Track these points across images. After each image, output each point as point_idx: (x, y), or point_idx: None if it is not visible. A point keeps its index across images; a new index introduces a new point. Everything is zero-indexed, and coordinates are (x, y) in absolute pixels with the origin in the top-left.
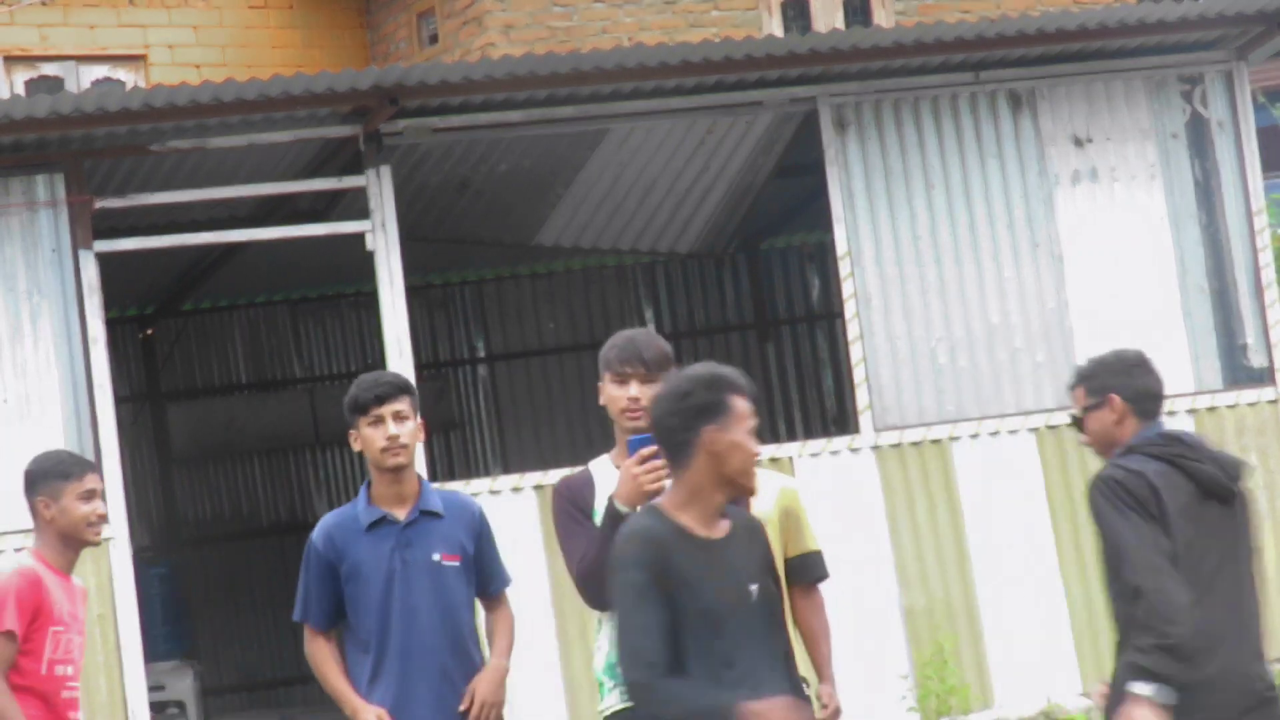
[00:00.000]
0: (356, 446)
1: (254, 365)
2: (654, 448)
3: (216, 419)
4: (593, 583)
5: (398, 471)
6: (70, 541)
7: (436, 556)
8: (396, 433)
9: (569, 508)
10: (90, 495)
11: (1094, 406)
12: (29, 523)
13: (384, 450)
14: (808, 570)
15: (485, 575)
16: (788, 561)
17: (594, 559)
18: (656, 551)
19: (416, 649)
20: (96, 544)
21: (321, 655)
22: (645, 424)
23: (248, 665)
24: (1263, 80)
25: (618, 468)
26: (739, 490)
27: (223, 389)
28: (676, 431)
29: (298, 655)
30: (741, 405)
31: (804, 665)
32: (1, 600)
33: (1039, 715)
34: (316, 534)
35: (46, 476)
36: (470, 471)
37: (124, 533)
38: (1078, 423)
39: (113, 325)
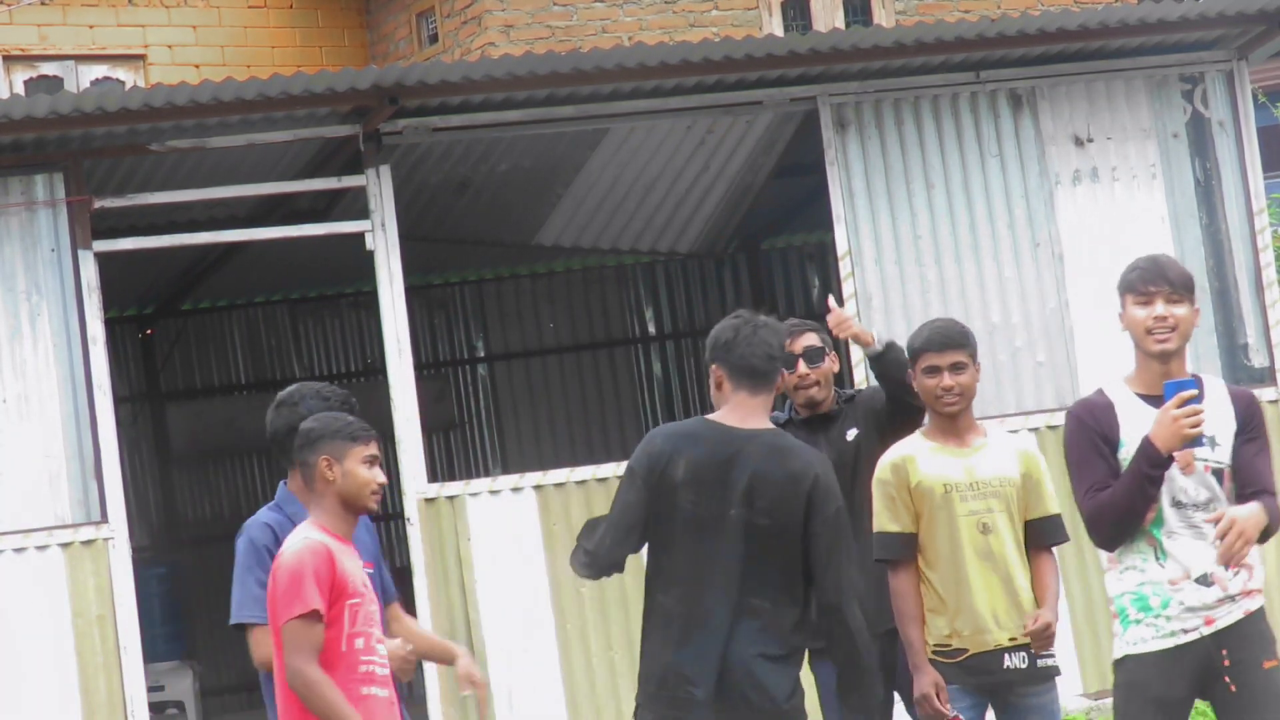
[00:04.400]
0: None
1: (254, 365)
2: (1193, 391)
3: (216, 419)
4: (1103, 522)
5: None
6: (351, 507)
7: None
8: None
9: (1092, 434)
10: (373, 461)
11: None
12: (28, 523)
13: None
14: (1046, 534)
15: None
16: (1026, 524)
17: (1111, 500)
18: None
19: None
20: (374, 511)
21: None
22: (1174, 345)
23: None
24: (1263, 80)
25: (1139, 396)
26: None
27: (222, 389)
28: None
29: None
30: None
31: None
32: (298, 579)
33: None
34: (261, 532)
35: (332, 437)
36: (470, 471)
37: (123, 533)
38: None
39: (112, 325)
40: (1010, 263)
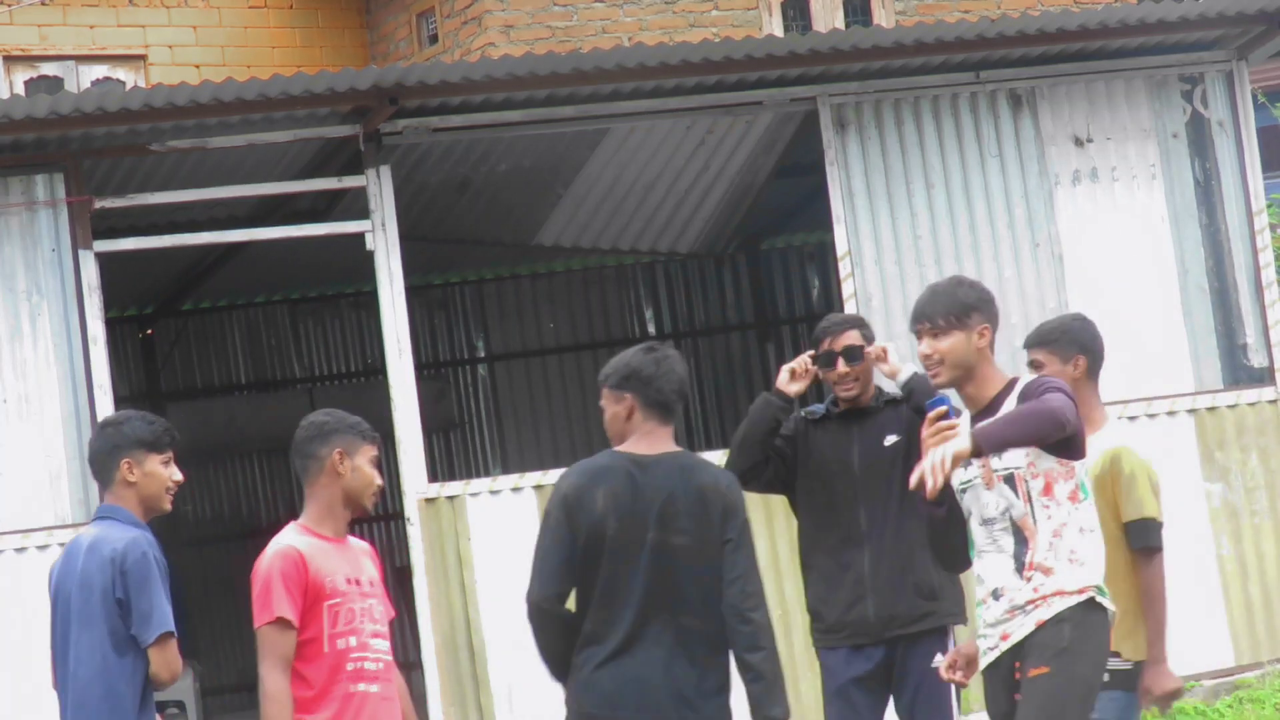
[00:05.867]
0: (132, 477)
1: (254, 365)
2: (944, 408)
3: (216, 419)
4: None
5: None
6: (351, 504)
7: None
8: (180, 478)
9: None
10: (377, 463)
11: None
12: (28, 522)
13: (169, 491)
14: (1130, 539)
15: None
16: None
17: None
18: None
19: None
20: (370, 512)
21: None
22: (944, 378)
23: (248, 665)
24: (1263, 80)
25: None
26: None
27: (223, 389)
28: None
29: None
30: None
31: None
32: (267, 587)
33: None
34: (149, 549)
35: (346, 431)
36: (470, 471)
37: None
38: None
39: (113, 325)
40: (1010, 263)
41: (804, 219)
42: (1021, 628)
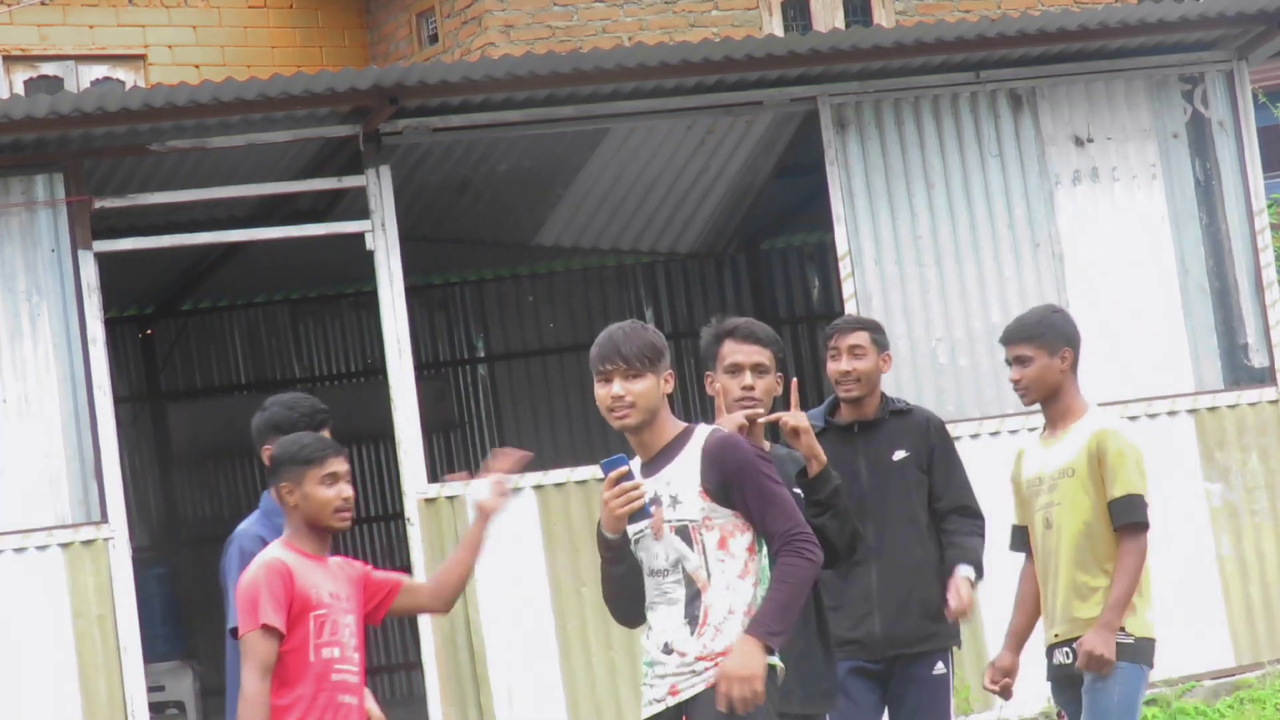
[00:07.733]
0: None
1: (254, 365)
2: (625, 468)
3: (216, 419)
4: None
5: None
6: (316, 528)
7: None
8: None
9: None
10: (334, 479)
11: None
12: (28, 523)
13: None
14: (1113, 518)
15: None
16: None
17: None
18: None
19: None
20: (343, 529)
21: None
22: (633, 421)
23: None
24: (1263, 80)
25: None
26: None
27: (223, 389)
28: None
29: None
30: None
31: None
32: (254, 596)
33: (1039, 715)
34: (253, 544)
35: (288, 462)
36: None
37: (123, 533)
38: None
39: (112, 325)
40: (1010, 263)
41: (804, 219)
42: (691, 686)
